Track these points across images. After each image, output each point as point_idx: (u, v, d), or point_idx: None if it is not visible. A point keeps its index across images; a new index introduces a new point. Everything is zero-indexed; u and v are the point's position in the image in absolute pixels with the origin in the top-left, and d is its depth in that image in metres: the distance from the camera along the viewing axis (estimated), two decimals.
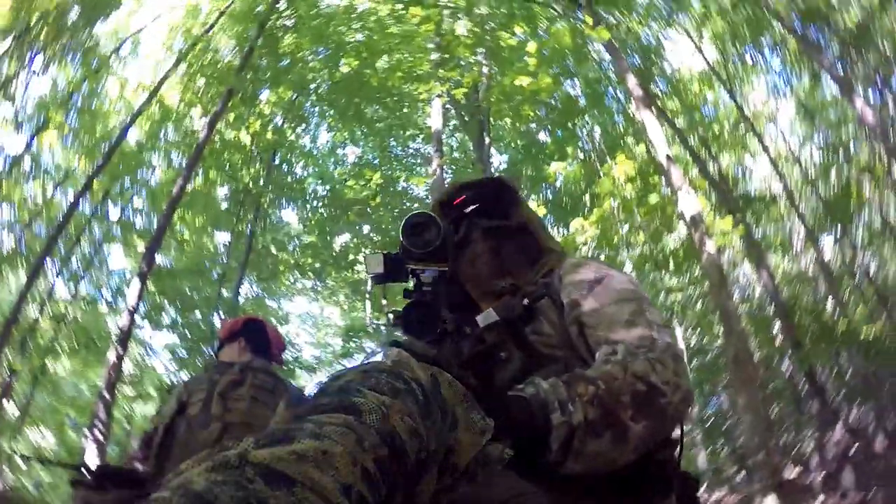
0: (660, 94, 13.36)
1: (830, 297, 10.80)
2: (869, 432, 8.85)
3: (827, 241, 12.21)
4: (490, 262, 1.42)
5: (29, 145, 9.91)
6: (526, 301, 1.25)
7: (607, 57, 13.40)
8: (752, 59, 12.83)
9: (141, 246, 11.89)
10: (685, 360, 1.13)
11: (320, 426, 0.60)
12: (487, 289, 1.41)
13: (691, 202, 8.53)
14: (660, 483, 1.13)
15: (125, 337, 8.86)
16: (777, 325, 10.84)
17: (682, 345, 10.44)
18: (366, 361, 1.02)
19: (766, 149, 12.70)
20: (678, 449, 1.21)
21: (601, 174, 10.89)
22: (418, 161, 15.20)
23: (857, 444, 8.27)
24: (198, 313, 11.68)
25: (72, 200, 10.22)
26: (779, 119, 13.42)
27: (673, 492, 1.16)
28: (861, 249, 11.39)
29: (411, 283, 1.31)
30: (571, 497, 1.03)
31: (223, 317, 10.93)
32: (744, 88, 13.38)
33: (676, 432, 1.20)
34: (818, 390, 8.92)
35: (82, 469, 2.41)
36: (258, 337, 2.89)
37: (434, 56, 11.87)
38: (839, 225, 11.30)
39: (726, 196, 11.87)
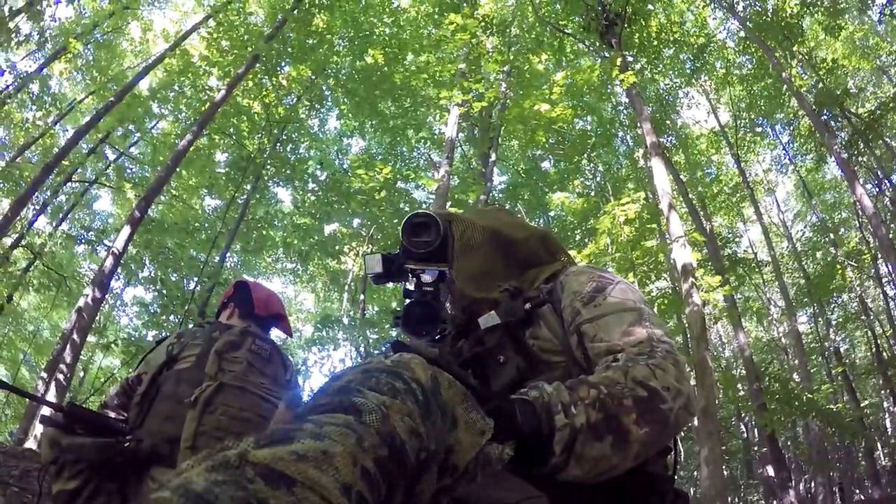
0: (668, 145, 13.66)
1: (798, 368, 11.07)
2: (818, 502, 9.05)
3: (803, 316, 12.56)
4: (462, 301, 1.41)
5: (41, 69, 9.63)
6: (528, 306, 1.27)
7: (623, 100, 13.75)
8: (762, 129, 13.23)
9: (131, 194, 11.64)
10: (685, 366, 1.11)
11: (320, 426, 0.60)
12: (489, 291, 1.39)
13: (685, 253, 8.69)
14: (654, 496, 1.14)
15: (105, 279, 8.61)
16: (744, 386, 11.09)
17: None
18: (366, 361, 1.04)
19: (760, 217, 13.03)
20: (672, 464, 1.22)
21: (603, 211, 11.04)
22: (422, 165, 15.23)
23: None
24: (175, 274, 11.42)
25: (72, 135, 9.96)
26: (777, 191, 13.81)
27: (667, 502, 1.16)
28: (834, 329, 11.74)
29: (411, 283, 1.31)
30: None
31: (205, 280, 10.72)
32: (749, 156, 13.77)
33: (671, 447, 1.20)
34: (776, 455, 9.10)
35: (48, 404, 2.31)
36: (244, 299, 2.78)
37: (461, 65, 11.96)
38: (818, 302, 11.62)
39: (715, 254, 12.15)
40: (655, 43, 12.41)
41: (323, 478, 0.54)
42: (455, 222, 1.42)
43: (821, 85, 10.47)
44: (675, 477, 1.23)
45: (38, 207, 10.93)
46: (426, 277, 1.29)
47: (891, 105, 8.80)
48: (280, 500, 0.51)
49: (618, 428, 0.98)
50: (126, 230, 8.88)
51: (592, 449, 0.96)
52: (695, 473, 9.32)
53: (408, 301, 1.29)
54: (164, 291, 10.91)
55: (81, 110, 10.84)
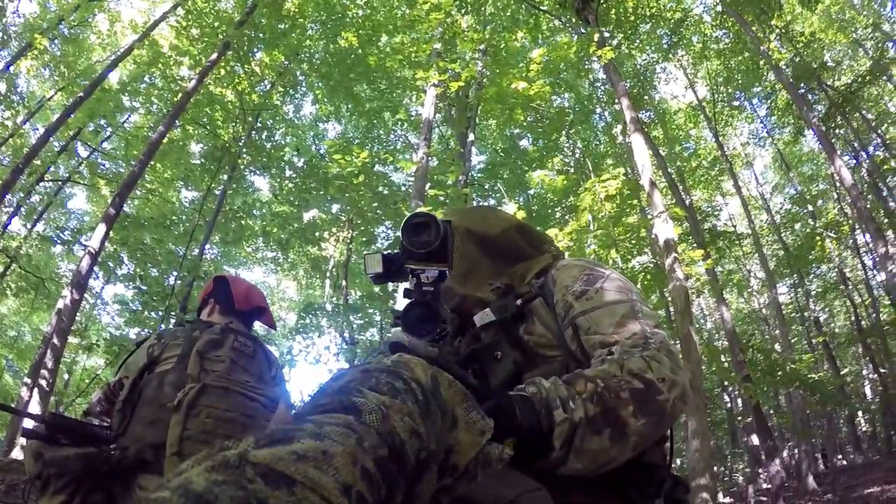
0: (646, 120, 13.69)
1: (780, 339, 11.26)
2: (802, 469, 9.28)
3: (783, 287, 12.75)
4: (454, 301, 1.40)
5: (7, 68, 9.36)
6: (519, 301, 1.28)
7: (601, 76, 13.71)
8: (740, 103, 13.29)
9: (106, 190, 11.42)
10: (679, 356, 1.13)
11: (320, 426, 0.60)
12: (478, 290, 1.40)
13: (666, 228, 8.74)
14: (651, 484, 1.16)
15: (83, 280, 8.46)
16: (727, 357, 11.28)
17: None
18: (366, 361, 1.02)
19: (739, 190, 13.14)
20: (668, 451, 1.24)
21: (584, 188, 11.04)
22: (400, 147, 15.11)
23: (790, 481, 8.64)
24: (154, 269, 11.29)
25: (42, 134, 9.72)
26: (755, 165, 13.92)
27: (664, 493, 1.18)
28: (814, 299, 11.95)
29: (411, 283, 1.30)
30: (566, 498, 1.03)
31: (185, 274, 10.60)
32: (727, 130, 13.84)
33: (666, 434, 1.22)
34: (761, 424, 9.30)
35: (29, 417, 2.27)
36: (224, 295, 2.72)
37: (436, 45, 11.81)
38: (797, 273, 11.80)
39: (696, 228, 12.25)
40: (632, 18, 12.37)
41: (323, 478, 0.54)
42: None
43: (798, 58, 10.52)
44: (672, 463, 1.25)
45: (11, 210, 10.70)
46: (426, 277, 1.28)
47: (867, 78, 8.87)
48: (280, 500, 0.51)
49: (616, 420, 0.99)
50: (101, 228, 8.73)
51: (591, 442, 0.97)
52: (682, 445, 9.50)
53: (408, 301, 1.28)
54: (145, 288, 10.79)
55: (51, 107, 10.59)
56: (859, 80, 8.87)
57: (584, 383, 1.02)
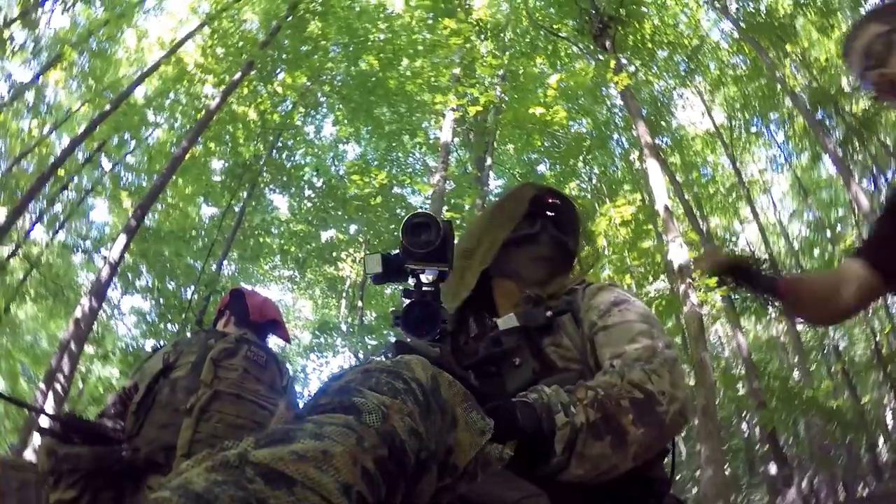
0: (663, 146, 13.70)
1: (798, 366, 11.09)
2: (821, 498, 9.06)
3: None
4: (543, 269, 1.49)
5: (36, 78, 9.64)
6: (549, 314, 1.31)
7: (618, 102, 13.79)
8: (757, 129, 13.30)
9: (128, 202, 11.62)
10: (683, 376, 1.17)
11: (320, 426, 0.61)
12: (521, 291, 1.46)
13: (681, 253, 8.69)
14: (652, 497, 1.17)
15: (102, 289, 8.58)
16: (743, 385, 11.11)
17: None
18: (366, 361, 1.04)
19: (756, 216, 13.08)
20: (669, 467, 1.26)
21: (599, 213, 11.03)
22: (418, 170, 15.23)
23: None
24: (172, 282, 11.40)
25: (67, 144, 9.96)
26: (773, 191, 13.86)
27: None
28: (833, 327, 11.76)
29: (411, 283, 1.30)
30: None
31: (202, 289, 10.69)
32: (744, 156, 13.83)
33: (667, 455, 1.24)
34: (778, 453, 9.12)
35: (45, 414, 2.31)
36: (238, 307, 2.80)
37: (455, 70, 11.99)
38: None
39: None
40: (649, 45, 12.46)
41: (323, 478, 0.55)
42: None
43: (815, 84, 10.54)
44: (674, 480, 1.27)
45: (34, 217, 10.92)
46: (426, 277, 1.29)
47: (885, 103, 8.83)
48: (280, 499, 0.51)
49: (617, 427, 1.01)
50: (122, 239, 8.85)
51: (593, 448, 0.99)
52: (696, 473, 9.33)
53: (408, 301, 1.29)
54: (162, 300, 10.89)
55: (77, 119, 10.82)
56: (876, 104, 8.86)
57: (584, 391, 1.04)
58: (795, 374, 11.34)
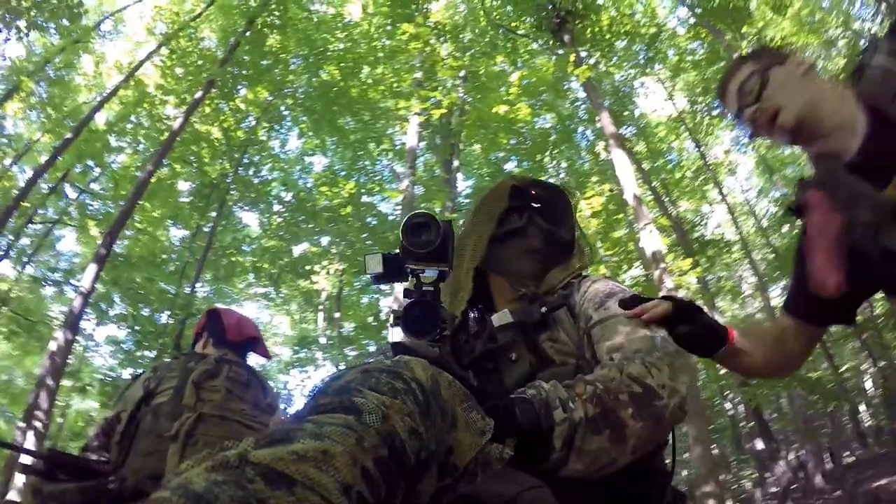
0: (628, 136, 13.86)
1: None
2: (809, 469, 9.23)
3: (776, 290, 12.83)
4: (535, 262, 1.48)
5: None
6: (544, 309, 1.32)
7: (580, 95, 13.91)
8: (719, 111, 13.48)
9: (95, 230, 11.43)
10: (687, 366, 1.18)
11: (320, 426, 0.61)
12: (515, 287, 1.46)
13: (654, 240, 8.79)
14: (654, 488, 1.18)
15: (75, 321, 8.41)
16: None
17: None
18: (366, 361, 1.04)
19: (724, 197, 13.29)
20: (669, 459, 1.26)
21: None
22: (386, 177, 15.21)
23: (798, 481, 8.59)
24: (146, 308, 11.22)
25: (31, 176, 9.75)
26: (738, 171, 14.09)
27: (666, 501, 1.19)
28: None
29: (411, 283, 1.31)
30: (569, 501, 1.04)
31: (178, 313, 10.55)
32: (708, 139, 14.04)
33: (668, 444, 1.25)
34: (764, 428, 9.28)
35: (27, 452, 2.26)
36: (215, 327, 2.76)
37: (417, 74, 11.99)
38: (788, 275, 11.83)
39: (684, 238, 12.34)
40: (608, 36, 12.58)
41: (323, 478, 0.54)
42: None
43: None
44: (674, 470, 1.27)
45: (1, 252, 10.67)
46: (426, 277, 1.30)
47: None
48: (280, 500, 0.51)
49: (615, 421, 1.01)
50: (92, 268, 8.69)
51: (592, 442, 0.99)
52: (685, 455, 9.46)
53: (408, 301, 1.30)
54: (137, 327, 10.72)
55: (38, 149, 10.62)
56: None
57: (583, 386, 1.04)
58: None
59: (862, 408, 14.41)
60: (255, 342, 2.85)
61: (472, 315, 1.48)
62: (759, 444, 9.89)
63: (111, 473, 2.21)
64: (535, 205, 1.53)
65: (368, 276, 1.34)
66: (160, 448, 2.16)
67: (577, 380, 1.06)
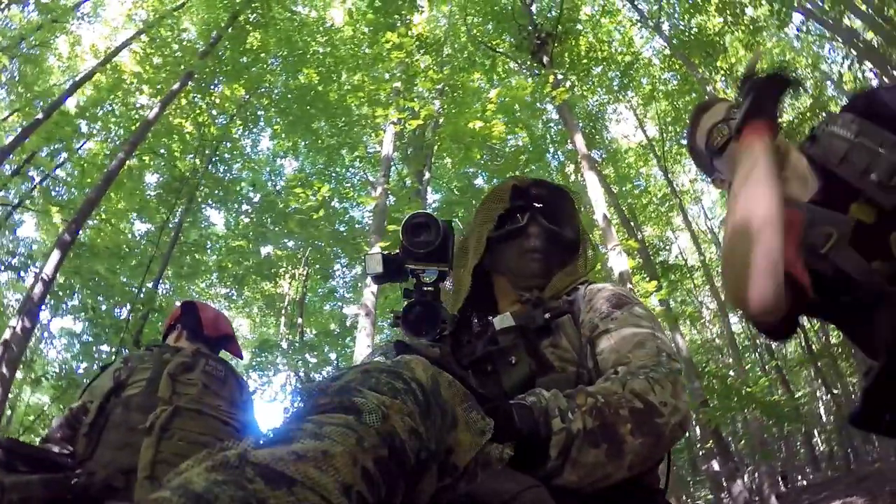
0: (598, 159, 14.12)
1: (734, 367, 11.53)
2: (764, 491, 9.44)
3: (734, 317, 13.16)
4: (534, 262, 1.47)
5: None
6: (547, 315, 1.31)
7: (553, 117, 14.14)
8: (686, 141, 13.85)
9: (58, 217, 11.08)
10: (684, 387, 1.17)
11: (320, 426, 0.61)
12: (518, 290, 1.46)
13: (621, 261, 8.99)
14: None
15: (35, 308, 8.10)
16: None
17: None
18: (366, 361, 1.06)
19: (689, 225, 13.61)
20: (664, 475, 1.28)
21: None
22: (357, 184, 15.16)
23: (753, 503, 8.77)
24: (105, 302, 10.87)
25: None
26: (703, 200, 14.46)
27: None
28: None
29: (411, 283, 1.32)
30: None
31: (139, 308, 10.26)
32: (675, 167, 14.40)
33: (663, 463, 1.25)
34: (722, 448, 9.48)
35: None
36: (191, 321, 2.72)
37: (396, 84, 12.01)
38: None
39: (648, 262, 12.59)
40: (585, 61, 12.85)
41: (323, 478, 0.55)
42: None
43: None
44: (668, 487, 1.28)
45: None
46: (426, 277, 1.30)
47: (807, 115, 9.45)
48: (280, 500, 0.51)
49: (614, 436, 1.00)
50: (56, 255, 8.39)
51: (588, 455, 0.98)
52: None
53: (407, 301, 1.30)
54: (96, 320, 10.37)
55: (5, 129, 10.25)
56: (800, 116, 9.45)
57: (584, 397, 1.03)
58: (731, 373, 11.83)
59: (816, 434, 14.87)
60: (229, 339, 2.82)
61: (473, 318, 1.46)
62: (716, 466, 10.09)
63: (75, 466, 2.15)
64: (536, 205, 1.53)
65: (368, 275, 1.35)
66: (132, 441, 2.11)
67: (578, 390, 1.06)
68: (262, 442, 0.58)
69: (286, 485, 0.52)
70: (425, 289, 1.28)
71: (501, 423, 0.87)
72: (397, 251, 1.33)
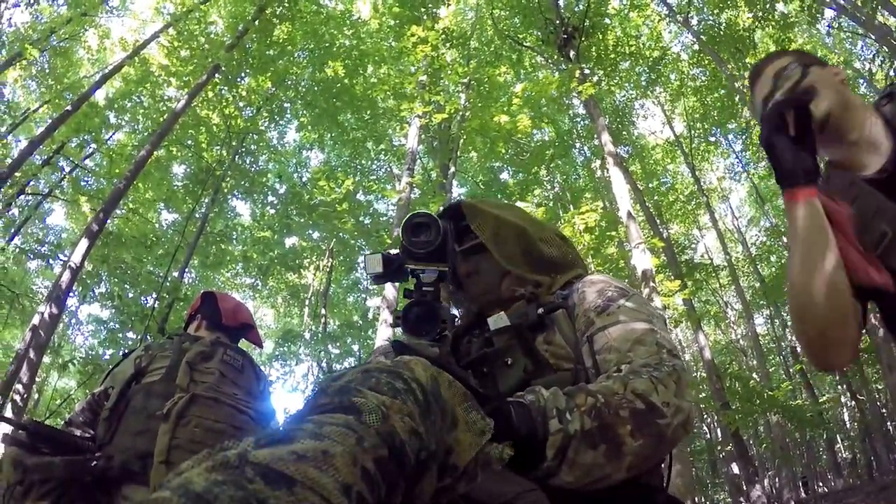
0: (624, 155, 14.00)
1: (757, 369, 11.37)
2: (784, 496, 9.31)
3: (760, 318, 12.97)
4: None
5: None
6: (541, 311, 1.28)
7: (580, 111, 14.05)
8: (715, 138, 13.67)
9: (86, 207, 11.31)
10: (688, 385, 1.14)
11: (320, 426, 0.61)
12: (497, 295, 1.42)
13: (644, 259, 8.88)
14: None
15: (63, 295, 8.28)
16: (705, 387, 11.38)
17: None
18: (366, 361, 1.04)
19: (715, 223, 13.43)
20: (665, 475, 1.24)
21: (563, 220, 11.15)
22: (382, 177, 15.22)
23: None
24: (132, 290, 11.09)
25: (26, 146, 9.62)
26: (731, 198, 14.26)
27: None
28: (790, 329, 12.15)
29: (411, 283, 1.31)
30: None
31: (165, 296, 10.44)
32: (703, 164, 14.21)
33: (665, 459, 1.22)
34: (742, 452, 9.36)
35: (9, 423, 2.23)
36: (210, 310, 2.74)
37: (422, 77, 12.01)
38: (773, 304, 11.99)
39: (673, 260, 12.45)
40: (612, 56, 12.73)
41: (323, 478, 0.54)
42: (483, 216, 1.44)
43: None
44: (668, 486, 1.25)
45: None
46: (426, 277, 1.29)
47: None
48: (280, 500, 0.51)
49: (612, 438, 0.98)
50: (84, 243, 8.57)
51: (585, 456, 0.96)
52: None
53: (408, 301, 1.29)
54: (122, 308, 10.58)
55: (35, 120, 10.48)
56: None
57: (584, 397, 1.01)
58: (755, 375, 11.66)
59: (839, 439, 14.63)
60: (248, 329, 2.83)
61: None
62: (735, 468, 9.96)
63: (96, 450, 2.18)
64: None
65: (368, 275, 1.34)
66: (150, 427, 2.14)
67: (578, 388, 1.03)
68: (262, 442, 0.57)
69: (286, 485, 0.52)
70: (425, 289, 1.28)
71: (499, 423, 0.86)
72: (397, 251, 1.33)
